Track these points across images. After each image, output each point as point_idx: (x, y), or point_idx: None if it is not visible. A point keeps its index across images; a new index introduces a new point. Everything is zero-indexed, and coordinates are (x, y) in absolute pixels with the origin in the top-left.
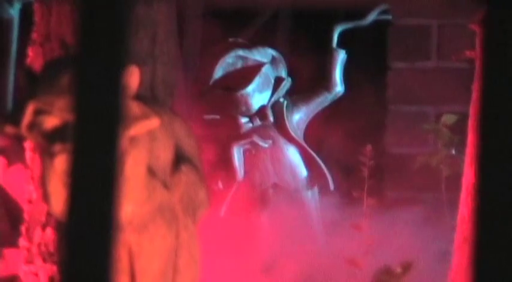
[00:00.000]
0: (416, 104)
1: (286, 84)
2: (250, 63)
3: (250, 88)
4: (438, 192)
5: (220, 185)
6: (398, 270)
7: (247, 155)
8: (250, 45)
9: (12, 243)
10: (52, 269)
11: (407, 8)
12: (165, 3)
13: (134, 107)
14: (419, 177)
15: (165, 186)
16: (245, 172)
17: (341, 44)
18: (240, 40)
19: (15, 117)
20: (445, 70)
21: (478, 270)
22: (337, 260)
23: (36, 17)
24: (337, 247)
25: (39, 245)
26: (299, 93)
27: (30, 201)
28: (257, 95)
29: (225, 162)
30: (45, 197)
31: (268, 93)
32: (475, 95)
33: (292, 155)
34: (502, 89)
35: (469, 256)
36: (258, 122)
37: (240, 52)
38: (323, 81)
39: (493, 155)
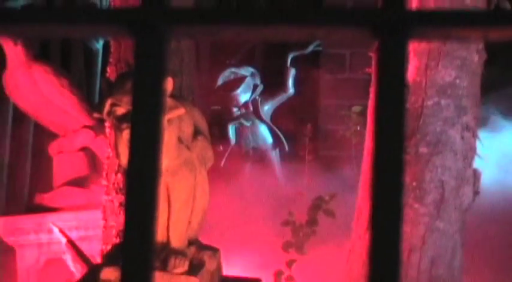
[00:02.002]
0: (338, 100)
1: (260, 88)
2: (238, 75)
3: (238, 91)
4: (350, 152)
5: (220, 147)
6: (327, 197)
7: (237, 130)
8: (239, 64)
9: (97, 182)
10: (121, 198)
11: (332, 42)
12: (187, 40)
13: (169, 102)
14: (339, 143)
15: (188, 148)
16: (236, 140)
17: (292, 63)
18: (233, 61)
19: (99, 108)
20: (354, 79)
21: (375, 199)
22: (291, 192)
23: (112, 48)
24: (290, 184)
25: (113, 183)
26: (268, 93)
27: (108, 158)
28: (243, 95)
29: (224, 134)
30: (117, 155)
31: (249, 94)
32: (371, 94)
33: (264, 130)
34: (385, 90)
35: (370, 190)
36: (243, 110)
37: (233, 69)
38: (282, 87)
39: (381, 129)
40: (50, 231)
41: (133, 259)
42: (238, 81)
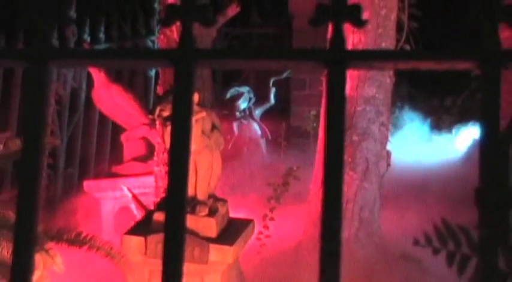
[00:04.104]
0: (302, 107)
1: (253, 100)
2: (240, 92)
3: (239, 101)
4: (309, 140)
5: (228, 137)
6: (295, 168)
7: (238, 126)
8: (240, 84)
9: (151, 159)
10: (166, 168)
11: (298, 70)
12: (207, 68)
13: (196, 108)
14: (303, 135)
15: (208, 137)
16: (238, 132)
17: (273, 84)
18: (236, 83)
19: (152, 112)
20: (312, 94)
21: (326, 169)
22: (272, 165)
23: (160, 75)
24: (272, 160)
25: (161, 159)
26: (258, 103)
27: (158, 143)
28: (242, 104)
29: (230, 128)
30: (164, 141)
31: (246, 103)
32: (323, 103)
33: (255, 126)
34: (332, 101)
35: (322, 163)
36: (242, 114)
37: (236, 87)
38: (266, 99)
39: (329, 125)
40: (122, 189)
41: (174, 206)
42: (240, 95)
